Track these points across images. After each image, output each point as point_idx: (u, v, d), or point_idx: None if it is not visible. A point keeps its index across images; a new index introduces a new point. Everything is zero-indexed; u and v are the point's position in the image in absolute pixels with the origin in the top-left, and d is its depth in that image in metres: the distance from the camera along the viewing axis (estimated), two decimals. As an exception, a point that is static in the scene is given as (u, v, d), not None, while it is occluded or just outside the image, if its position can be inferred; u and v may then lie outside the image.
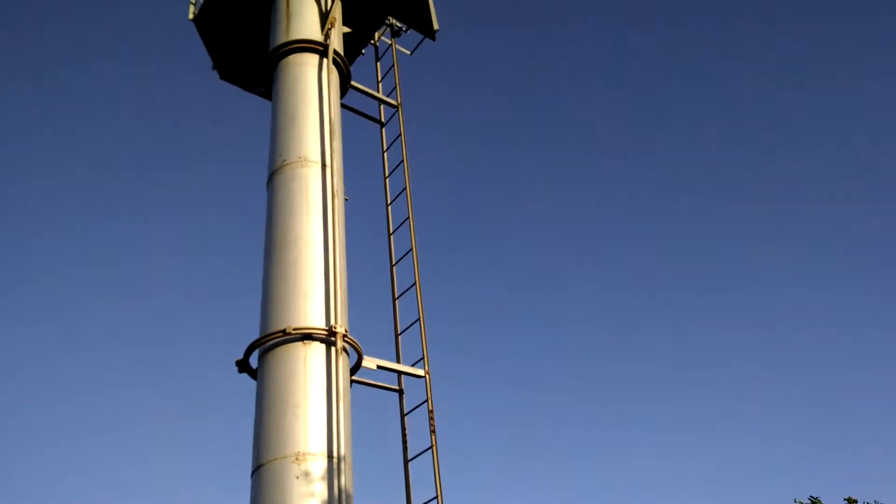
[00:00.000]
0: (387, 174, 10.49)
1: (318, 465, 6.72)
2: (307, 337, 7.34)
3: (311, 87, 8.91)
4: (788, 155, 29.40)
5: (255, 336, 7.58)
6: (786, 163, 29.38)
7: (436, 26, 10.86)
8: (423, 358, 8.82)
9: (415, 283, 9.29)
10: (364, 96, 10.79)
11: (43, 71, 28.60)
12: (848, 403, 26.46)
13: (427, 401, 8.58)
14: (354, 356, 7.91)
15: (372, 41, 11.80)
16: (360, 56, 11.61)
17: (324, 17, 9.41)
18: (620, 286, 28.76)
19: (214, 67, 10.85)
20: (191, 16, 10.44)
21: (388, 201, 10.28)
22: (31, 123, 27.76)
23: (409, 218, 9.81)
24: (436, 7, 10.96)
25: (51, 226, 27.34)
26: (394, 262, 9.79)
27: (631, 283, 28.89)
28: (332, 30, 9.32)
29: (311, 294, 7.59)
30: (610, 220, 29.75)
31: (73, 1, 30.01)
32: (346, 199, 8.93)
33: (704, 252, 29.39)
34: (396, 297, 9.54)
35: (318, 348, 7.33)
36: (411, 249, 9.51)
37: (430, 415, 8.49)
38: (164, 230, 27.97)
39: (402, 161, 10.30)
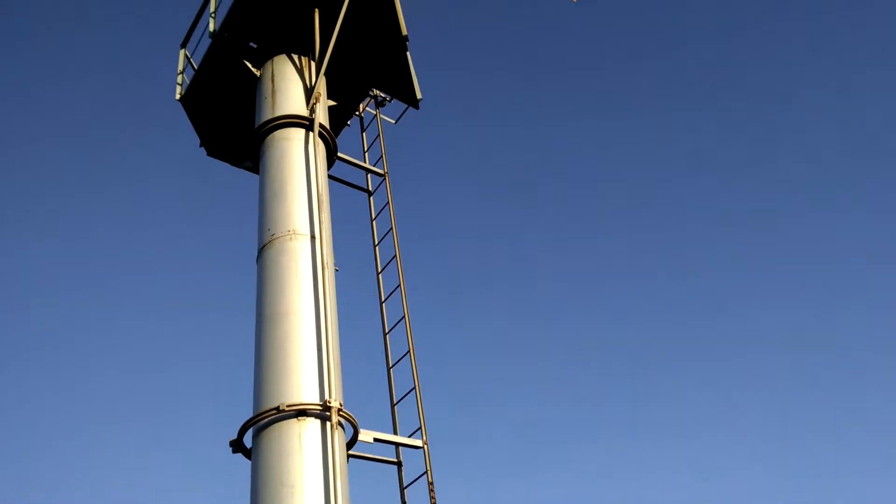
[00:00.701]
0: (376, 242, 10.52)
1: (316, 548, 6.51)
2: (301, 413, 7.21)
3: (297, 161, 9.00)
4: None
5: (249, 414, 7.45)
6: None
7: (419, 95, 11.07)
8: (420, 427, 8.67)
9: (409, 352, 9.22)
10: (351, 166, 10.92)
11: (33, 141, 28.87)
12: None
13: (426, 472, 8.39)
14: (350, 430, 7.77)
15: (357, 112, 12.00)
16: (346, 127, 11.79)
17: (309, 92, 9.59)
18: (621, 350, 28.66)
19: (202, 145, 10.98)
20: (178, 96, 10.62)
21: (379, 269, 10.29)
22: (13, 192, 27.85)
23: (400, 285, 9.80)
24: (422, 68, 11.20)
25: (46, 306, 27.13)
26: (386, 331, 9.73)
27: (630, 347, 28.77)
28: (318, 104, 9.47)
29: (303, 369, 7.49)
30: (602, 288, 29.82)
31: (62, 76, 30.53)
32: (336, 270, 8.92)
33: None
34: (391, 366, 9.45)
35: (313, 424, 7.20)
36: (404, 317, 9.47)
37: (430, 486, 8.30)
38: (152, 308, 27.81)
39: (391, 229, 10.35)
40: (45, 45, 30.63)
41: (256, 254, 8.60)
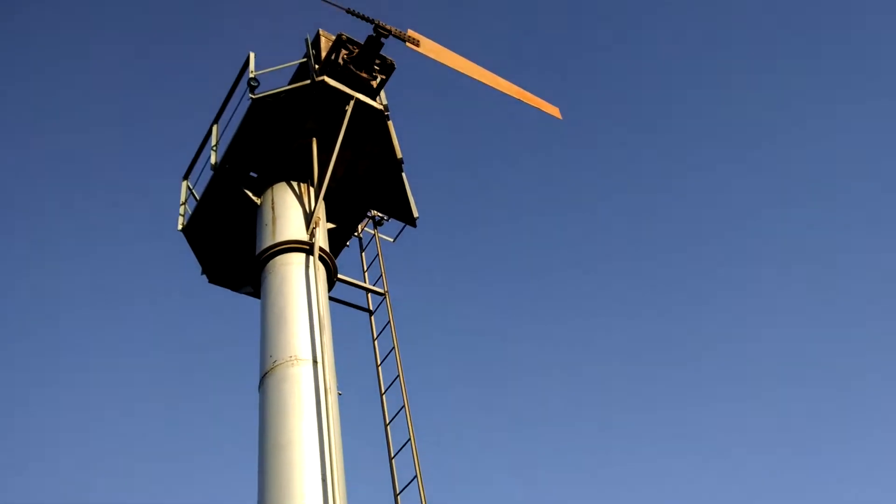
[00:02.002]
0: (379, 363, 10.43)
1: None
2: (307, 550, 6.90)
3: (298, 286, 9.05)
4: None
5: (252, 553, 7.13)
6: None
7: (415, 214, 11.27)
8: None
9: (416, 476, 8.93)
10: (352, 287, 10.97)
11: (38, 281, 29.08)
12: None
13: None
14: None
15: (356, 233, 12.19)
16: (346, 248, 11.95)
17: (308, 217, 9.77)
18: (616, 430, 27.97)
19: (204, 272, 11.08)
20: (180, 226, 10.82)
21: (382, 391, 10.13)
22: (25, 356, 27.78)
23: (404, 406, 9.63)
24: (417, 181, 11.44)
25: (49, 444, 26.54)
26: (392, 455, 9.48)
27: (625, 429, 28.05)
28: (317, 228, 9.64)
29: (307, 500, 7.24)
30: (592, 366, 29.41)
31: (67, 206, 31.17)
32: (339, 394, 8.78)
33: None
34: (398, 492, 9.14)
35: (318, 562, 6.88)
36: (410, 440, 9.24)
37: None
38: (152, 441, 27.20)
39: (394, 348, 10.28)
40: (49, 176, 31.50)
41: (258, 381, 8.49)
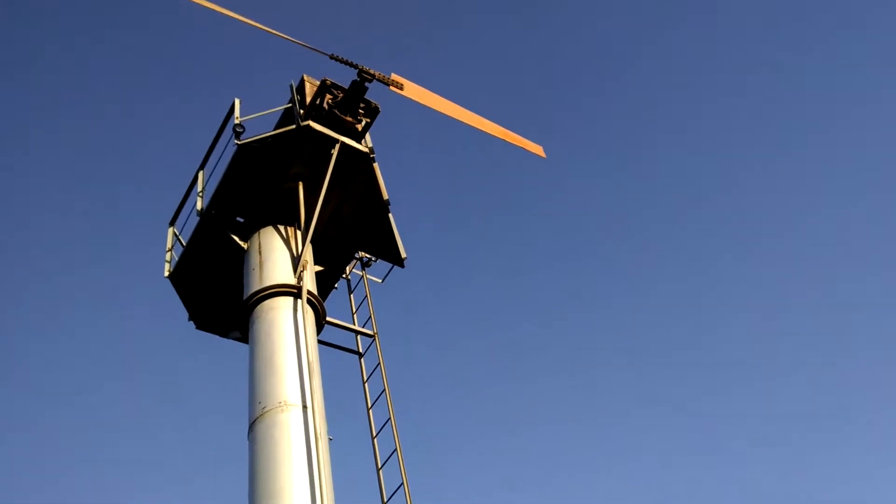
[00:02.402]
0: (369, 405, 10.33)
1: None
2: None
3: (286, 330, 9.00)
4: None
5: None
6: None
7: (403, 255, 11.27)
8: None
9: (409, 521, 8.79)
10: (341, 329, 10.92)
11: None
12: None
13: None
14: None
15: (344, 275, 12.17)
16: (334, 290, 11.92)
17: (296, 260, 9.76)
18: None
19: (190, 318, 11.01)
20: (166, 273, 10.77)
21: (374, 434, 10.02)
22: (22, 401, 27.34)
23: (396, 450, 9.52)
24: (405, 222, 11.48)
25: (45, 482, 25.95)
26: (385, 500, 9.33)
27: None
28: (305, 272, 9.62)
29: (300, 550, 7.10)
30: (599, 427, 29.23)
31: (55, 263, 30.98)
32: (330, 439, 8.68)
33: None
34: (391, 537, 8.98)
35: None
36: (402, 483, 9.12)
37: None
38: (142, 484, 26.67)
39: (384, 390, 10.20)
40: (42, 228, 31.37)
41: (248, 428, 8.38)
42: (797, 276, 30.40)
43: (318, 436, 8.02)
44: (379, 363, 10.49)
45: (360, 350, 10.99)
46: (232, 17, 10.54)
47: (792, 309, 29.91)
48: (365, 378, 10.66)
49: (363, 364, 10.86)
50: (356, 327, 11.00)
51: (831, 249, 30.92)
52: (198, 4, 10.48)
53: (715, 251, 32.30)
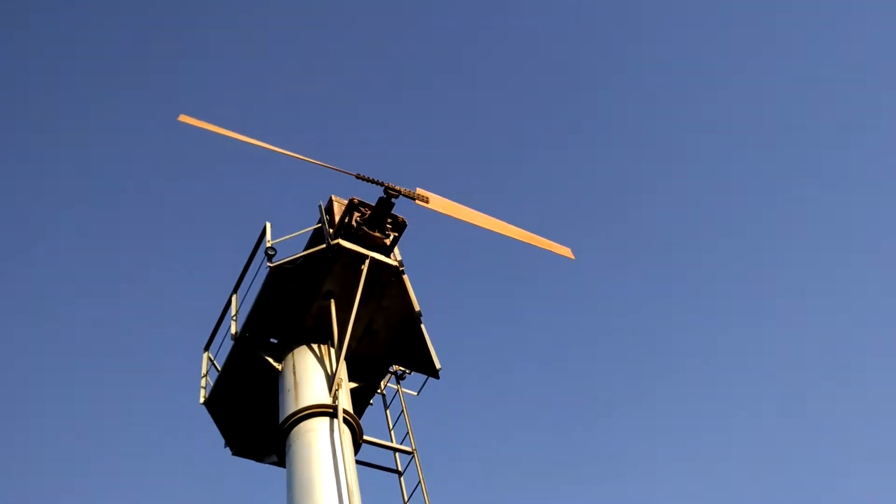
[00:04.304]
0: (412, 527, 9.91)
1: None
2: None
3: (323, 452, 8.79)
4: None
5: None
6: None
7: (438, 365, 11.11)
8: None
9: None
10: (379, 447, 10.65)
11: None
12: None
13: None
14: None
15: (379, 390, 12.00)
16: (369, 406, 11.72)
17: (330, 379, 9.66)
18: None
19: (227, 445, 10.83)
20: (202, 399, 10.71)
21: (418, 558, 9.56)
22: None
23: (442, 574, 9.03)
24: (437, 331, 11.37)
25: None
26: None
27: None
28: (340, 390, 9.49)
29: None
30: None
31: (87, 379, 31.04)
32: (373, 567, 8.28)
33: None
34: None
35: None
36: None
37: None
38: None
39: (426, 510, 9.80)
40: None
41: (287, 560, 8.05)
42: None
43: (361, 565, 7.66)
44: (420, 482, 10.14)
45: (400, 468, 10.67)
46: (261, 147, 10.96)
47: None
48: (406, 498, 10.29)
49: (403, 483, 10.51)
50: (394, 444, 10.72)
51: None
52: (227, 136, 10.94)
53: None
